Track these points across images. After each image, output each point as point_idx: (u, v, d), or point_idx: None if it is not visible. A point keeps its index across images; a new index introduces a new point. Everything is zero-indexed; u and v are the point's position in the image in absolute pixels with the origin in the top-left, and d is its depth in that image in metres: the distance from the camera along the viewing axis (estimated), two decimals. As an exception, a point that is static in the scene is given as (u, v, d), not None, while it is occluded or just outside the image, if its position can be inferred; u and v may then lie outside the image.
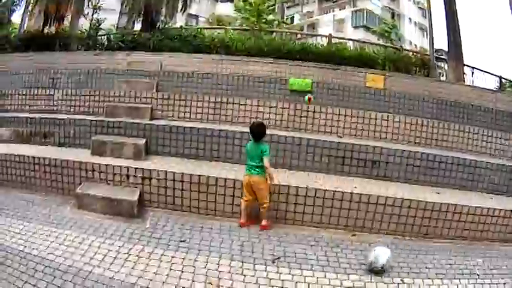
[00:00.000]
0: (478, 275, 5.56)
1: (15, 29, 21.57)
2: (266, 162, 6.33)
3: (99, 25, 17.59)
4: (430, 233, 6.77)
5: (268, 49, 14.58)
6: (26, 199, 7.01)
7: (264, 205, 6.42)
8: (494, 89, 16.44)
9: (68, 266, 4.90)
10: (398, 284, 5.16)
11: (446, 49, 16.55)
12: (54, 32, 17.07)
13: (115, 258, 5.19)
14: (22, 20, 21.06)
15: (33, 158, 7.42)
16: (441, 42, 17.44)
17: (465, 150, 9.47)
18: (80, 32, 17.48)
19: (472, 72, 18.80)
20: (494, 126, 10.78)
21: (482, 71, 18.97)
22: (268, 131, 7.09)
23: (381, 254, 5.27)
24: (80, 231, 5.80)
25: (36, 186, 7.44)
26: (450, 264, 5.82)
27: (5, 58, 14.34)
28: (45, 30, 17.40)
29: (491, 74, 19.37)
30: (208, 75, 11.50)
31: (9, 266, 4.83)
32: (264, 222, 6.44)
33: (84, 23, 19.90)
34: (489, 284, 5.35)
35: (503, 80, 19.70)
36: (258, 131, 6.56)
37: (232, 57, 13.52)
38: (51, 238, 5.54)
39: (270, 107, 9.58)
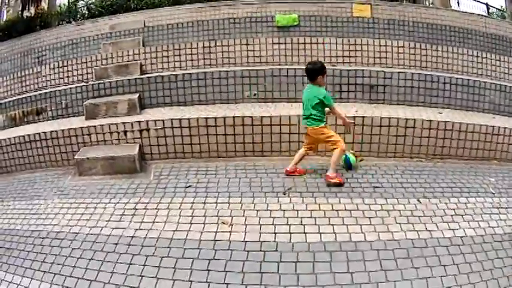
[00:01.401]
0: (493, 193, 5.29)
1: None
2: (335, 110, 5.44)
3: (77, -4, 17.12)
4: (438, 153, 6.46)
5: (251, -11, 13.93)
6: (27, 179, 6.63)
7: (334, 149, 5.39)
8: (483, 14, 15.86)
9: (75, 234, 4.59)
10: (415, 204, 4.91)
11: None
12: (33, 14, 16.34)
13: (122, 215, 4.87)
14: (0, 13, 20.59)
15: (28, 136, 7.02)
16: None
17: (461, 72, 9.08)
18: (59, 7, 16.94)
19: (458, 1, 18.51)
20: (487, 49, 10.44)
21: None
22: (261, 67, 7.04)
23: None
24: (83, 197, 5.45)
25: (35, 164, 7.06)
26: (463, 183, 5.55)
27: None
28: (25, 14, 16.71)
29: (478, 1, 19.11)
30: (193, 23, 10.98)
31: (17, 249, 4.51)
32: (330, 173, 5.34)
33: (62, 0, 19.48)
34: (506, 202, 5.06)
35: (490, 8, 19.47)
36: (310, 69, 5.45)
37: (214, 3, 12.89)
38: (55, 210, 5.20)
39: (260, 44, 9.18)
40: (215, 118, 6.38)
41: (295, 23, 10.70)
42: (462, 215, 4.70)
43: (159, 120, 6.50)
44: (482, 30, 11.48)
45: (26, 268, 4.14)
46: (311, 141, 5.62)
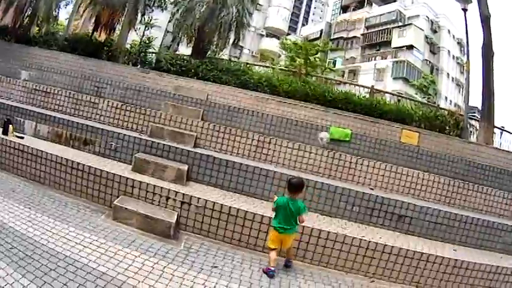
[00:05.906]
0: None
1: (62, 26, 22.20)
2: None
3: (150, 42, 18.16)
4: (442, 286, 7.20)
5: (313, 94, 15.20)
6: (60, 199, 7.58)
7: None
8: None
9: (102, 273, 5.21)
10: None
11: (480, 107, 17.10)
12: (103, 41, 17.60)
13: (149, 272, 5.49)
14: (70, 20, 21.74)
15: (72, 161, 8.00)
16: (476, 99, 17.90)
17: (486, 211, 10.09)
18: (129, 46, 18.04)
19: (501, 133, 19.50)
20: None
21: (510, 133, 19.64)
22: (306, 176, 8.07)
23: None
24: (115, 242, 6.17)
25: (70, 188, 7.97)
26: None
27: (54, 55, 15.26)
28: (94, 36, 18.03)
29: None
30: (254, 112, 12.05)
31: (45, 266, 5.15)
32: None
33: (132, 38, 20.55)
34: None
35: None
36: None
37: (277, 97, 14.08)
38: (85, 243, 5.92)
39: (310, 153, 10.20)
40: (254, 214, 7.16)
41: (347, 138, 11.71)
42: None
43: (202, 198, 7.31)
44: (517, 169, 12.41)
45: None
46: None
